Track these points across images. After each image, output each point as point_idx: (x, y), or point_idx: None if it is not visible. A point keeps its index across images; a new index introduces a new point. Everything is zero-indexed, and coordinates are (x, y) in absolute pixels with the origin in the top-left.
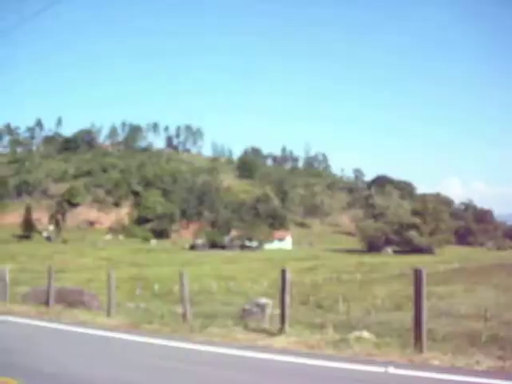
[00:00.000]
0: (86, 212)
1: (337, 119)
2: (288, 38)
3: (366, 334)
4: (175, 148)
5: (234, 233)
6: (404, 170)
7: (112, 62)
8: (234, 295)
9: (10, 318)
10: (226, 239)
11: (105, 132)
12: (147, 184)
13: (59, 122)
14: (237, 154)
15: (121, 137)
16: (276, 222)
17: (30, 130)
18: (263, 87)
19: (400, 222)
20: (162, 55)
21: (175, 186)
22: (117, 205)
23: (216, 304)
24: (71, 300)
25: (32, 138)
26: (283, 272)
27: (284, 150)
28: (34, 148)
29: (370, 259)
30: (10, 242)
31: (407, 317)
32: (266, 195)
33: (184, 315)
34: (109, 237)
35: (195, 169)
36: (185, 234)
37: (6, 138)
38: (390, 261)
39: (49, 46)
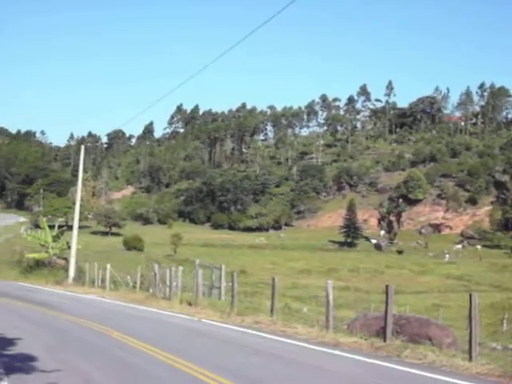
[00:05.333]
0: (428, 212)
1: None
2: None
3: None
4: None
5: None
6: None
7: None
8: None
9: (337, 352)
10: None
11: (454, 99)
12: None
13: (389, 87)
14: None
15: (478, 105)
16: None
17: (352, 101)
18: None
19: None
20: None
21: None
22: (473, 202)
23: None
24: (412, 332)
25: (355, 112)
26: None
27: None
28: (359, 126)
29: None
30: (327, 251)
31: None
32: None
33: None
34: (460, 246)
35: None
36: None
37: (323, 115)
38: None
39: None
